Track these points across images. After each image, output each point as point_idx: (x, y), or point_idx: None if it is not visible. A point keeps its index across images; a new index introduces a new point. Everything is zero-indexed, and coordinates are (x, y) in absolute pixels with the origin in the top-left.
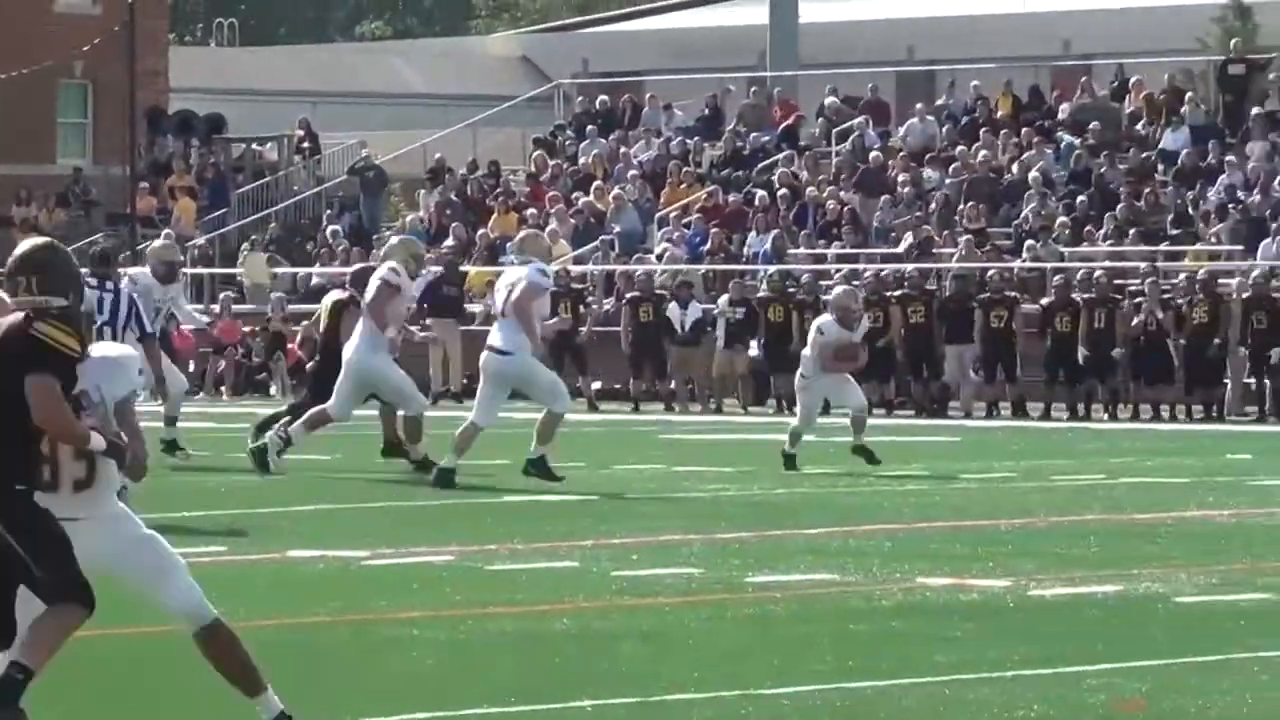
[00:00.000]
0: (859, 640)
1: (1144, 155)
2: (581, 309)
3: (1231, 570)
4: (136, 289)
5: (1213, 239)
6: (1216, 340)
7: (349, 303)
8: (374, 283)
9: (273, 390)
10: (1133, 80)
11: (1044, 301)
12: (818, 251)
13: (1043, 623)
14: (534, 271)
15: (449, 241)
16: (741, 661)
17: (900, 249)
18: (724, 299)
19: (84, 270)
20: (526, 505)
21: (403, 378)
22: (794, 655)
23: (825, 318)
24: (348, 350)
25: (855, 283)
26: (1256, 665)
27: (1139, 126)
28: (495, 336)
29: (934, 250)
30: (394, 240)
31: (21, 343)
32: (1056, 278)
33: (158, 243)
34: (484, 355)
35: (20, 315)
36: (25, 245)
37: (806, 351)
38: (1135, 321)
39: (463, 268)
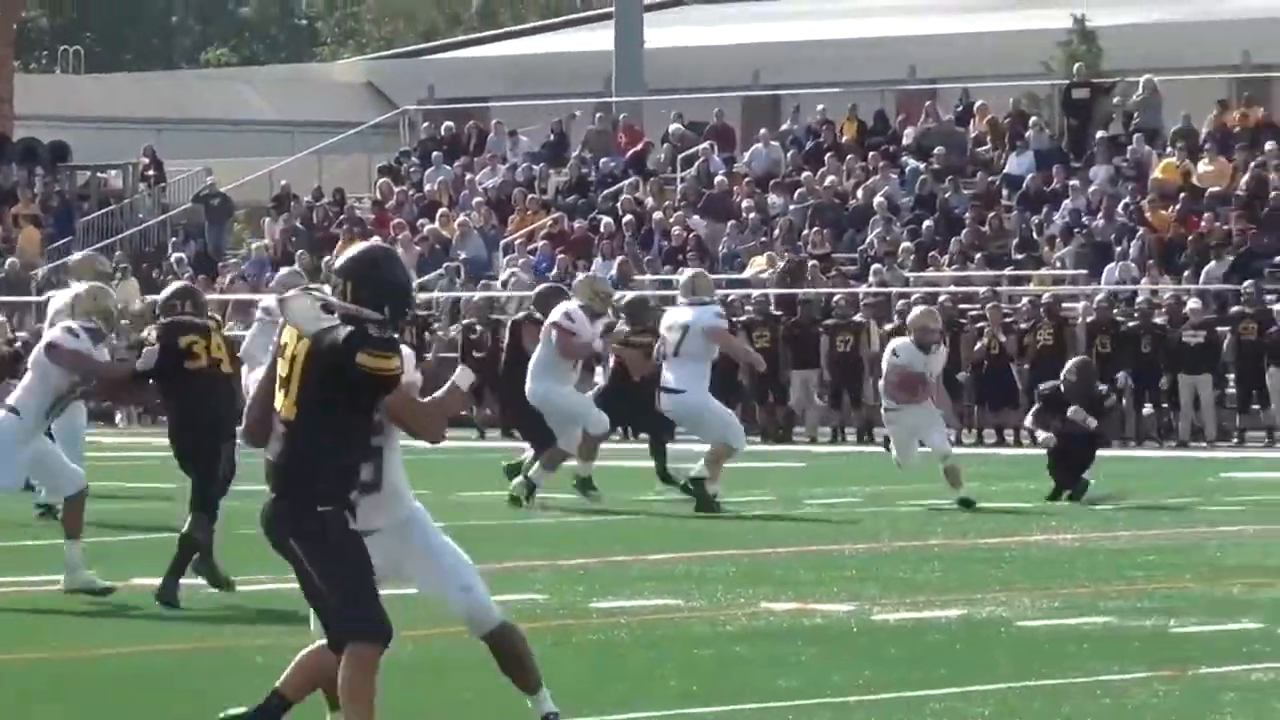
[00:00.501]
0: (703, 665)
1: (989, 180)
2: (427, 336)
3: (1074, 594)
4: None
5: (1057, 263)
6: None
7: (526, 321)
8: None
9: (118, 419)
10: (977, 104)
11: (888, 327)
12: (663, 277)
13: (886, 647)
14: (713, 316)
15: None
16: (587, 687)
17: (747, 274)
18: None
19: None
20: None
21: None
22: (639, 681)
23: (901, 340)
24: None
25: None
26: (1099, 689)
27: (983, 151)
28: (668, 376)
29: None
30: (580, 278)
31: (342, 367)
32: (900, 302)
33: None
34: (659, 395)
35: (340, 327)
36: (355, 250)
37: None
38: (978, 346)
39: None
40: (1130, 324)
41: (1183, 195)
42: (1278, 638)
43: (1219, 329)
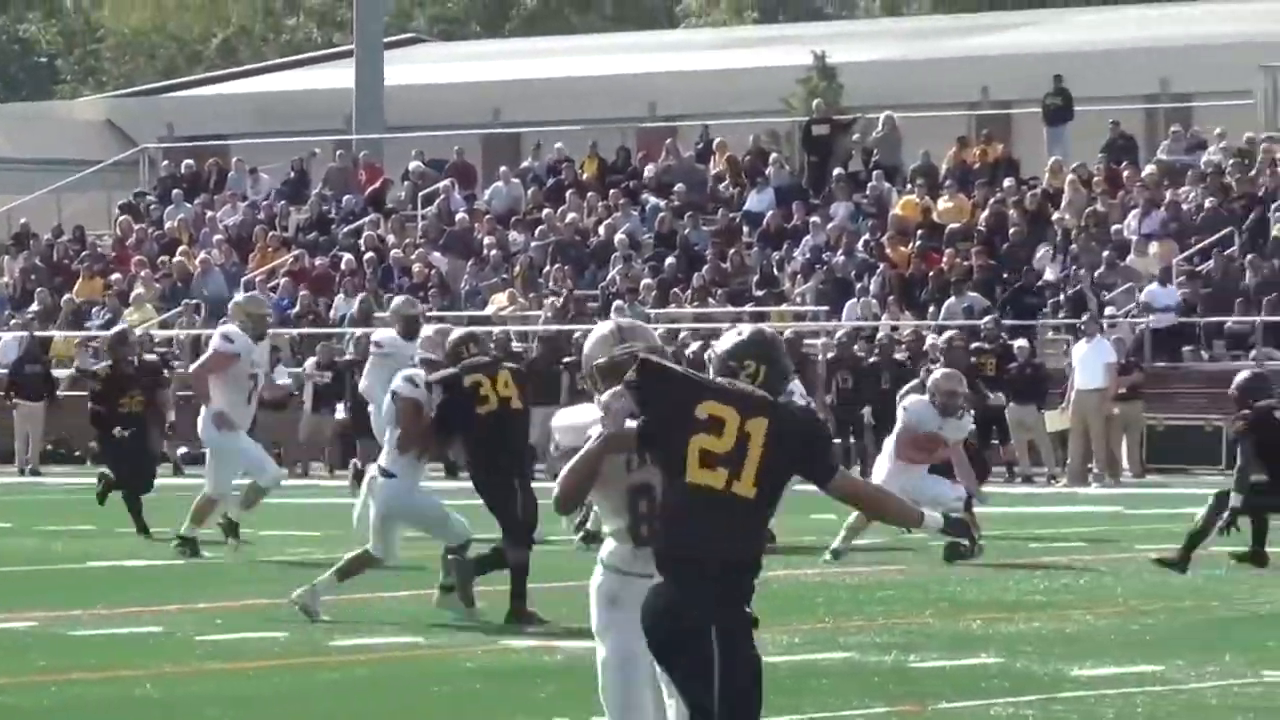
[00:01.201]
0: (441, 702)
1: (729, 216)
2: (165, 373)
3: (815, 630)
4: None
5: (798, 299)
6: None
7: None
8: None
9: None
10: (717, 141)
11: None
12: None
13: None
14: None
15: (34, 306)
16: None
17: (489, 311)
18: (310, 362)
19: None
20: (111, 571)
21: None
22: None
23: (917, 398)
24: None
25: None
26: None
27: (724, 187)
28: None
29: (524, 314)
30: (234, 300)
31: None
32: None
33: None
34: None
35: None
36: (756, 333)
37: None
38: None
39: (48, 332)
40: (871, 360)
41: (922, 231)
42: (1016, 672)
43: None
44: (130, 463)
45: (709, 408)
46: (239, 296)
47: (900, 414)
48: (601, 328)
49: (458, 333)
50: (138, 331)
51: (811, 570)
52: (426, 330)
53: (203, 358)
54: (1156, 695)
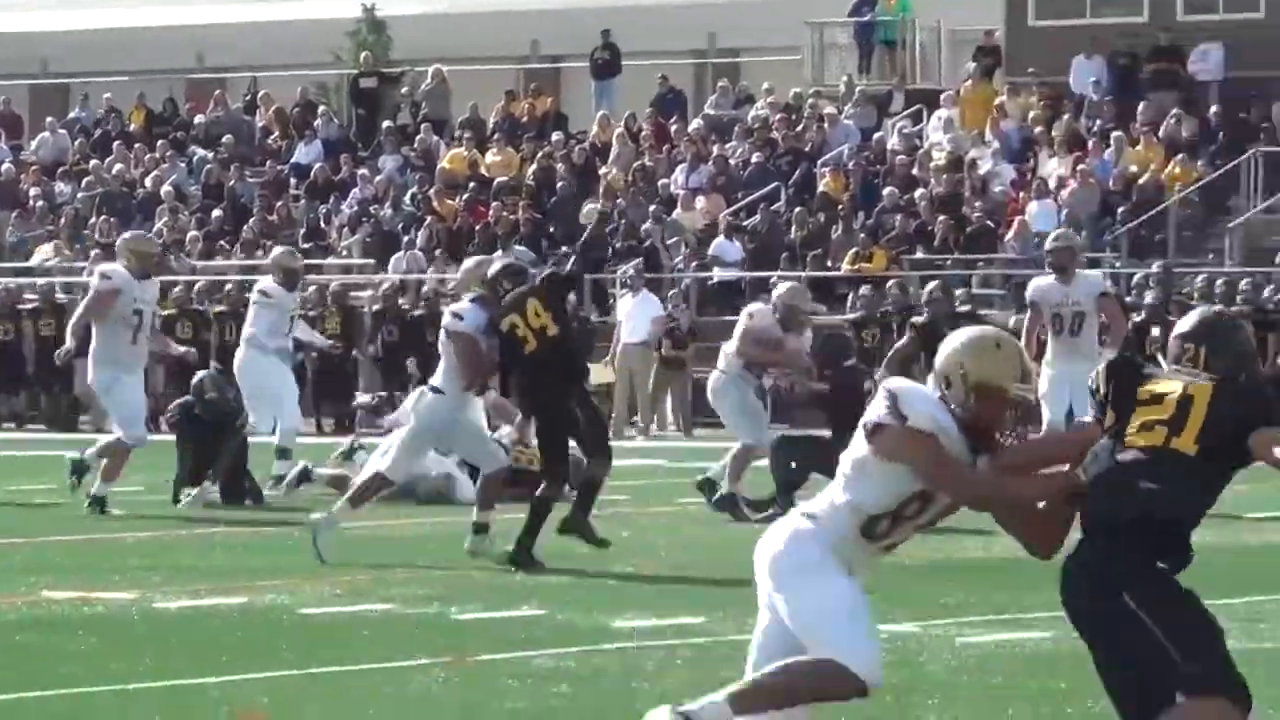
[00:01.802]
0: None
1: (277, 169)
2: None
3: (357, 581)
4: None
5: (345, 252)
6: (353, 351)
7: None
8: None
9: None
10: (264, 94)
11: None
12: None
13: (168, 635)
14: None
15: None
16: None
17: (34, 262)
18: None
19: None
20: None
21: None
22: None
23: (761, 307)
24: None
25: None
26: (380, 676)
27: (272, 140)
28: None
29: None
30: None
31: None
32: (177, 289)
33: None
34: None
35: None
36: (1210, 315)
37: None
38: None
39: None
40: (416, 312)
41: (471, 185)
42: (558, 624)
43: None
44: None
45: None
46: (126, 235)
47: (744, 319)
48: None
49: (494, 268)
50: None
51: (357, 523)
52: (467, 264)
53: (84, 300)
54: (698, 647)
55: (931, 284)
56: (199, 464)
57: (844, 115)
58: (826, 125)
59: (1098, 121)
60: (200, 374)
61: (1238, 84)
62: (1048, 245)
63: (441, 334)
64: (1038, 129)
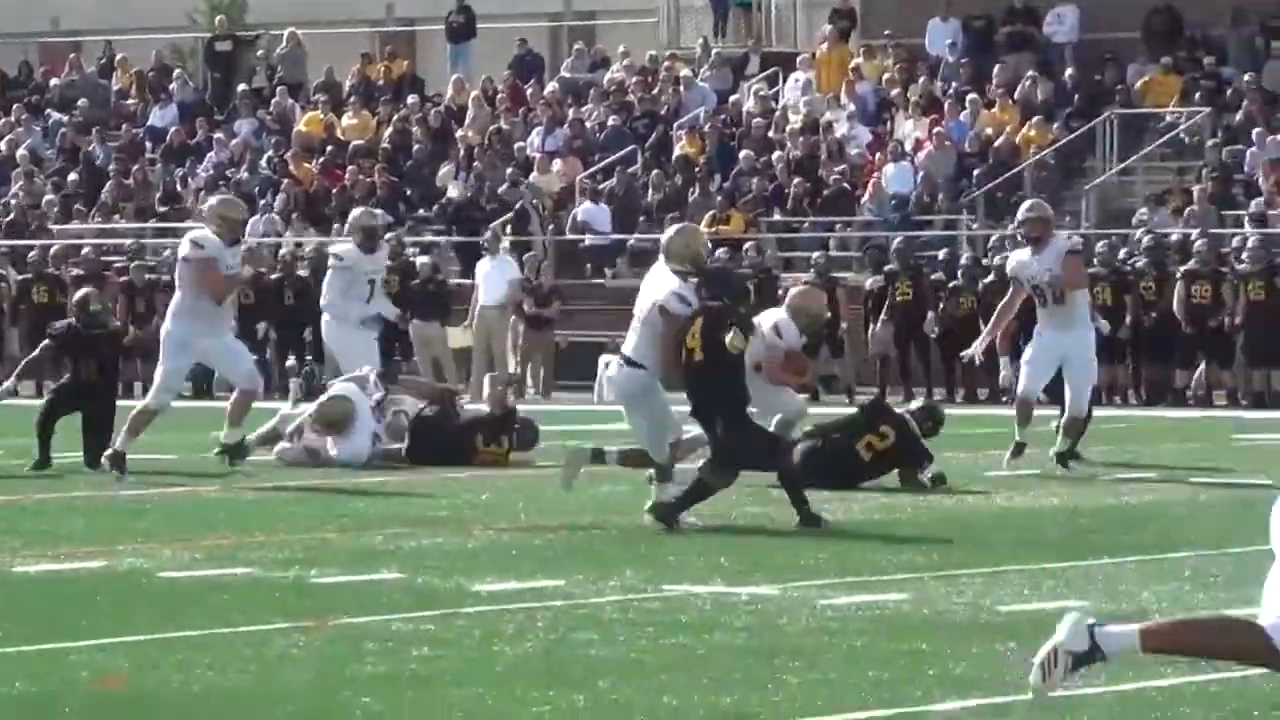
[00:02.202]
0: None
1: (133, 132)
2: None
3: (217, 545)
4: None
5: (202, 215)
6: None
7: None
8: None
9: None
10: (120, 57)
11: (25, 276)
12: None
13: (27, 599)
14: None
15: None
16: None
17: None
18: None
19: None
20: None
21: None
22: None
23: (782, 316)
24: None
25: None
26: (240, 640)
27: (128, 103)
28: None
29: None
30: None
31: None
32: (33, 253)
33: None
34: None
35: None
36: None
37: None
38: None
39: None
40: (274, 275)
41: (327, 148)
42: (418, 587)
43: None
44: None
45: None
46: (213, 199)
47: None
48: None
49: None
50: None
51: (212, 487)
52: (669, 233)
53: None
54: (557, 610)
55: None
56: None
57: (700, 78)
58: (682, 88)
59: (953, 84)
60: (84, 290)
61: (1092, 46)
62: (1019, 217)
63: (649, 313)
64: (894, 91)
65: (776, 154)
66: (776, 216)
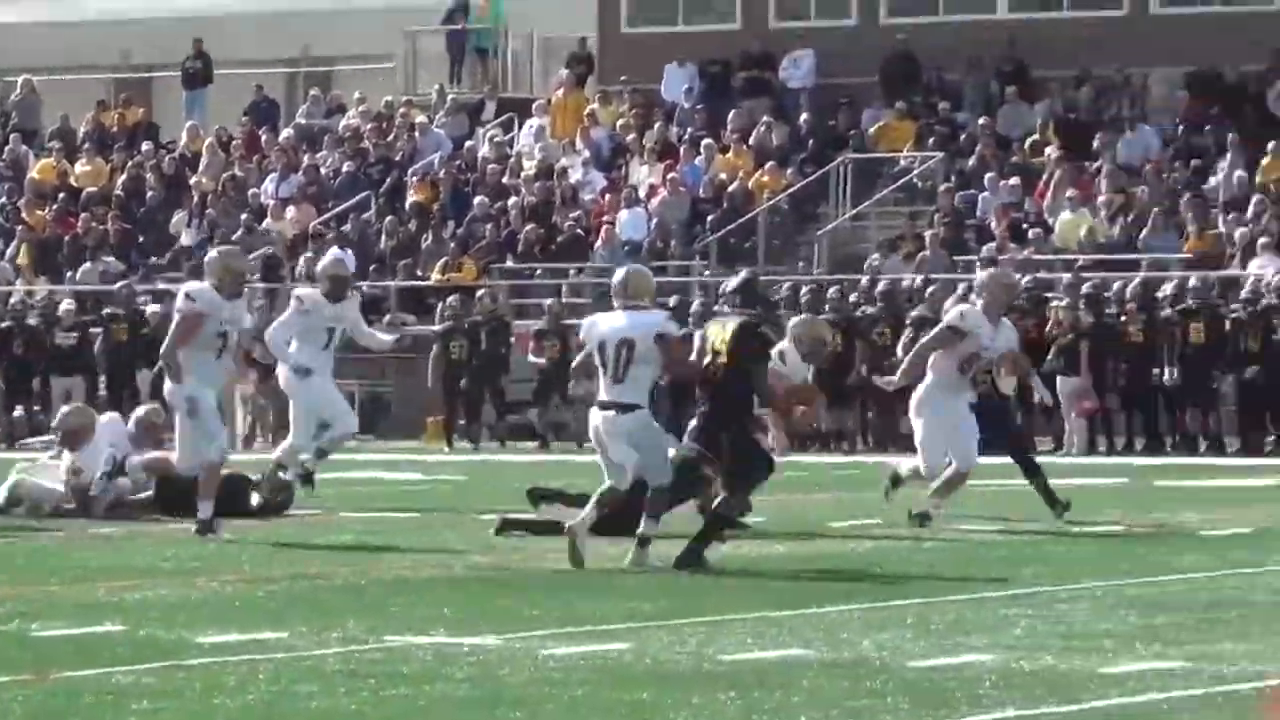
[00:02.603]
0: None
1: None
2: None
3: None
4: None
5: None
6: None
7: None
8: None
9: None
10: None
11: None
12: None
13: None
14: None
15: None
16: None
17: None
18: None
19: None
20: None
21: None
22: None
23: (785, 345)
24: None
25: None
26: None
27: None
28: None
29: None
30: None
31: None
32: None
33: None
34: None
35: None
36: None
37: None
38: None
39: None
40: (4, 325)
41: (60, 195)
42: (140, 640)
43: (92, 330)
44: None
45: None
46: (219, 248)
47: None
48: None
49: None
50: None
51: None
52: (623, 274)
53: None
54: (279, 662)
55: None
56: None
57: (435, 124)
58: (418, 134)
59: (689, 129)
60: None
61: (829, 91)
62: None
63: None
64: (629, 136)
65: (511, 200)
66: (509, 263)
